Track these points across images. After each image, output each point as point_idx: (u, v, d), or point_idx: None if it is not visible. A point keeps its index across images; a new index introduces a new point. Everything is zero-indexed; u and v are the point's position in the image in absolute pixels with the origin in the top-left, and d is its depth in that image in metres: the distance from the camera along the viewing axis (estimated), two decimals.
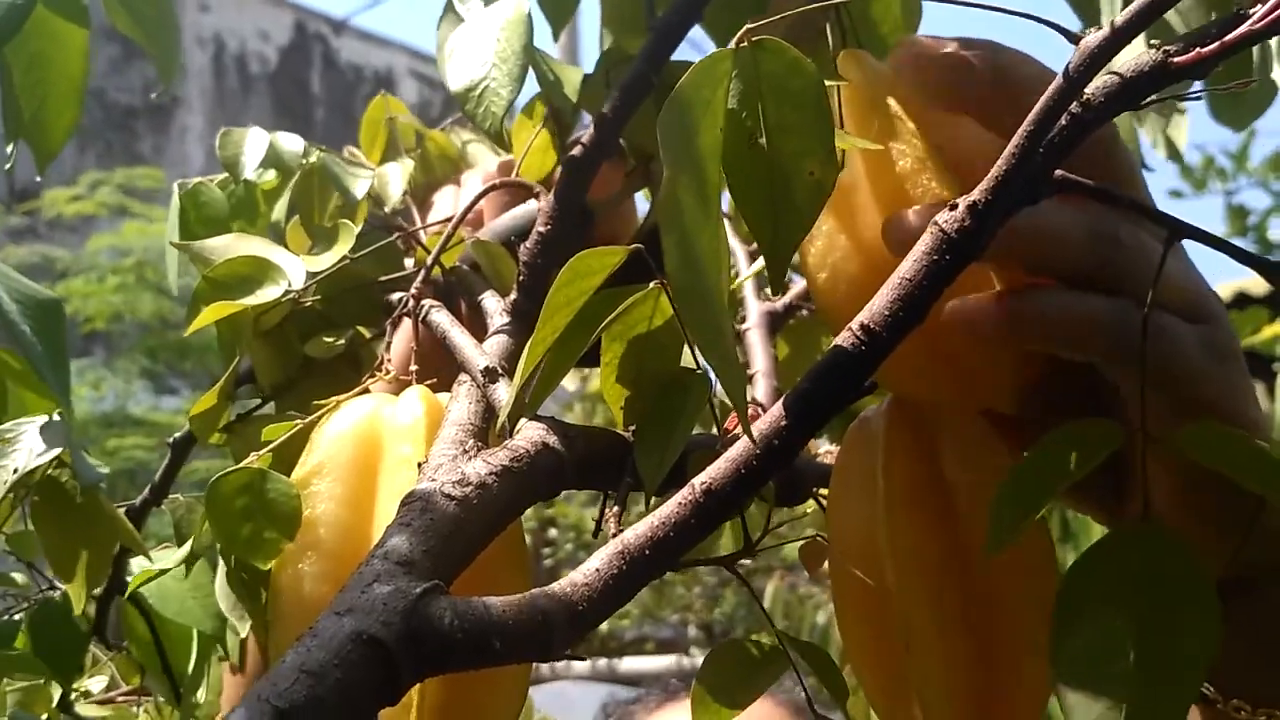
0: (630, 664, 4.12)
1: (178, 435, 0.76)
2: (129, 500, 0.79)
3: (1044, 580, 0.49)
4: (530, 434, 0.49)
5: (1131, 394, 0.45)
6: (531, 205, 0.66)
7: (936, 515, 0.49)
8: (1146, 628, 0.42)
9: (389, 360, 0.59)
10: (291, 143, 0.71)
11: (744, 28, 0.41)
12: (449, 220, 0.61)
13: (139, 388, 4.90)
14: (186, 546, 0.67)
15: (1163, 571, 0.43)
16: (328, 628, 0.37)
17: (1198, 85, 0.44)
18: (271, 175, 0.75)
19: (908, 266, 0.43)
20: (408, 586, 0.39)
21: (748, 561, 0.53)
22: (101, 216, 5.11)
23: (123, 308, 4.65)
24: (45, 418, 0.68)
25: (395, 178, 0.73)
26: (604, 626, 4.52)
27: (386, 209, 0.73)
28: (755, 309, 0.86)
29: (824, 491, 0.56)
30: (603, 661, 4.27)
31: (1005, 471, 0.48)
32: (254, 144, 0.71)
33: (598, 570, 0.42)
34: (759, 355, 0.82)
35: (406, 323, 0.59)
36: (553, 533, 5.06)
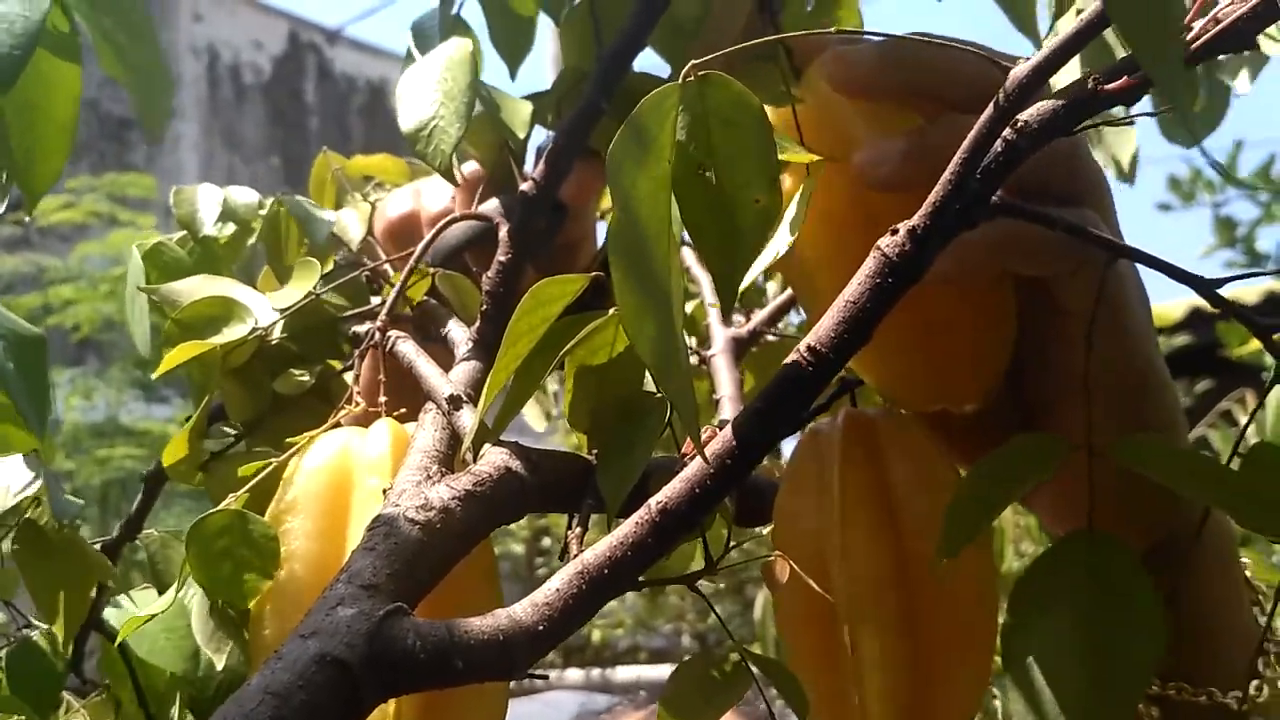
0: (625, 673, 4.10)
1: (150, 470, 0.77)
2: (120, 509, 0.80)
3: (982, 591, 0.50)
4: (493, 459, 0.50)
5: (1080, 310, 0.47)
6: (484, 210, 0.66)
7: (883, 523, 0.51)
8: (1092, 633, 0.44)
9: (358, 392, 0.60)
10: (244, 195, 0.72)
11: (690, 63, 0.43)
12: (411, 254, 0.63)
13: (130, 397, 4.86)
14: (170, 592, 0.68)
15: (1108, 578, 0.44)
16: (292, 650, 0.38)
17: (1147, 105, 0.46)
18: (231, 229, 0.76)
19: (852, 290, 0.44)
20: (371, 609, 0.40)
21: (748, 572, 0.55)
22: (94, 225, 5.08)
23: (115, 316, 4.62)
24: (21, 455, 0.69)
25: (353, 222, 0.75)
26: (597, 636, 4.51)
27: (352, 249, 0.74)
28: (721, 335, 0.88)
29: None
30: (597, 671, 4.25)
31: (953, 483, 0.50)
32: (207, 200, 0.73)
33: (558, 590, 0.43)
34: (725, 380, 0.83)
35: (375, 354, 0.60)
36: (546, 542, 5.07)
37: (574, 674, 4.26)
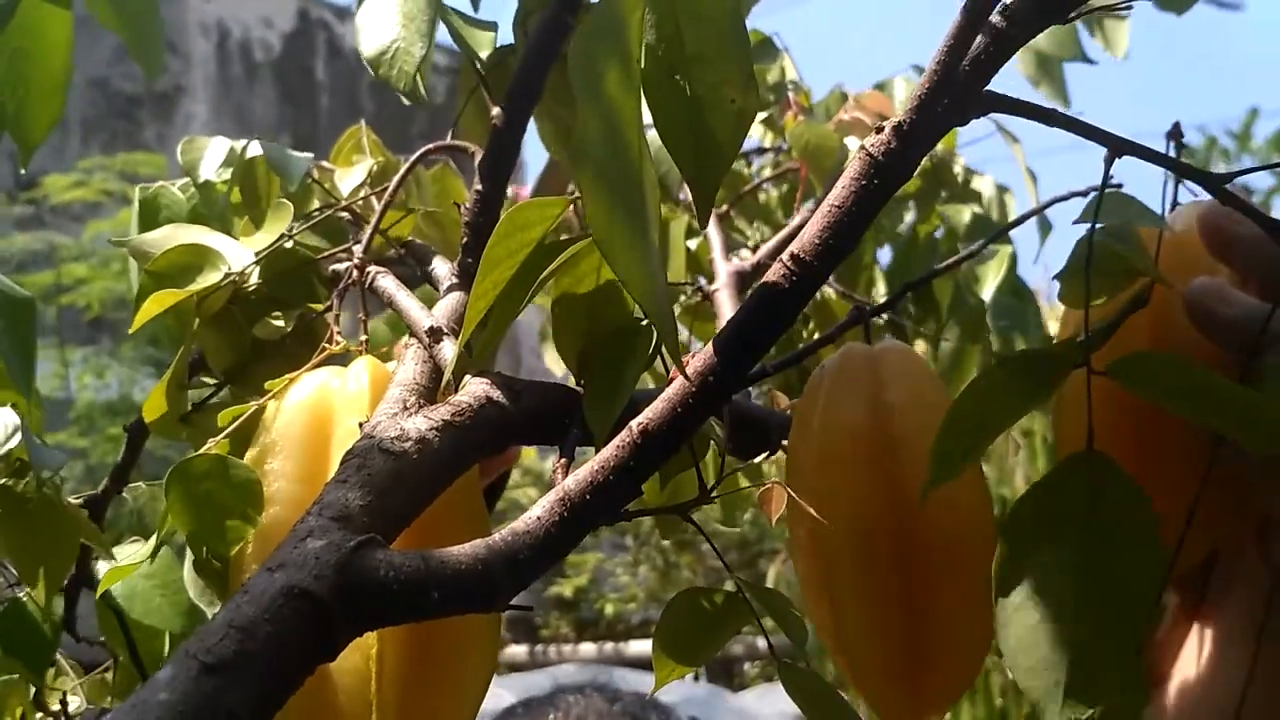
0: (637, 647, 4.11)
1: (133, 422, 0.75)
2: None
3: (979, 526, 0.48)
4: (474, 389, 0.48)
5: None
6: None
7: (874, 459, 0.49)
8: (1088, 564, 0.41)
9: (338, 331, 0.58)
10: (251, 149, 0.71)
11: None
12: (385, 189, 0.61)
13: (143, 375, 4.85)
14: (152, 540, 0.66)
15: (1104, 503, 0.42)
16: (259, 583, 0.37)
17: None
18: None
19: (836, 194, 0.42)
20: (342, 540, 0.38)
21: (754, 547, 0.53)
22: (106, 204, 5.06)
23: (127, 294, 4.61)
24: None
25: (356, 175, 0.72)
26: (610, 610, 4.50)
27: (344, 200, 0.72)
28: (723, 270, 0.86)
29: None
30: (610, 645, 4.26)
31: None
32: (214, 149, 0.72)
33: (539, 518, 0.41)
34: (727, 315, 0.81)
35: None
36: None
37: (587, 648, 4.26)
